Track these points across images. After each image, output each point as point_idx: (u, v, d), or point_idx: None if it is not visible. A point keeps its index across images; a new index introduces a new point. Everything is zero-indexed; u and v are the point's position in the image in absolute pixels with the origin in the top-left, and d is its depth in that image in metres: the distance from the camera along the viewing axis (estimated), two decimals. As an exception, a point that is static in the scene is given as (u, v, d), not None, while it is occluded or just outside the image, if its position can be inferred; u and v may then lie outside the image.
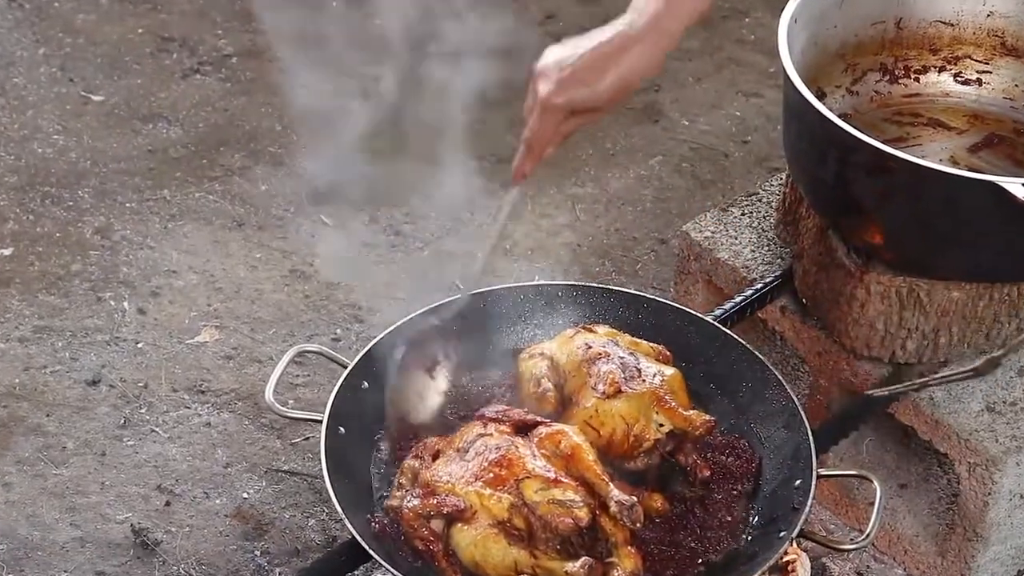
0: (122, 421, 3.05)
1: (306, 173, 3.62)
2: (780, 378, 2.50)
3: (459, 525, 2.26)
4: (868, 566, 2.85)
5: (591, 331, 2.49)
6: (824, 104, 2.57)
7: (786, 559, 2.47)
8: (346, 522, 2.27)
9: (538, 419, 2.37)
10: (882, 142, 2.50)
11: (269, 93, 3.82)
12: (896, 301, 2.65)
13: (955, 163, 2.79)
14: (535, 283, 2.69)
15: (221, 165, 3.63)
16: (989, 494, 2.63)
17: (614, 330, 2.51)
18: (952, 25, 2.92)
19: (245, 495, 2.94)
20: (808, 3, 2.71)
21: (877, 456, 2.89)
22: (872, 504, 2.34)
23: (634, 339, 2.50)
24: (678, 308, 2.64)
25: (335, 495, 2.29)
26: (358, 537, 2.26)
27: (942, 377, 2.48)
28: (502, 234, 2.47)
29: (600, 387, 2.39)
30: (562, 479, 2.25)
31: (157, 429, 3.04)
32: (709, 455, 2.43)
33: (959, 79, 2.93)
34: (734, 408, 2.52)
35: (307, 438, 3.03)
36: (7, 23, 3.94)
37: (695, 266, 2.95)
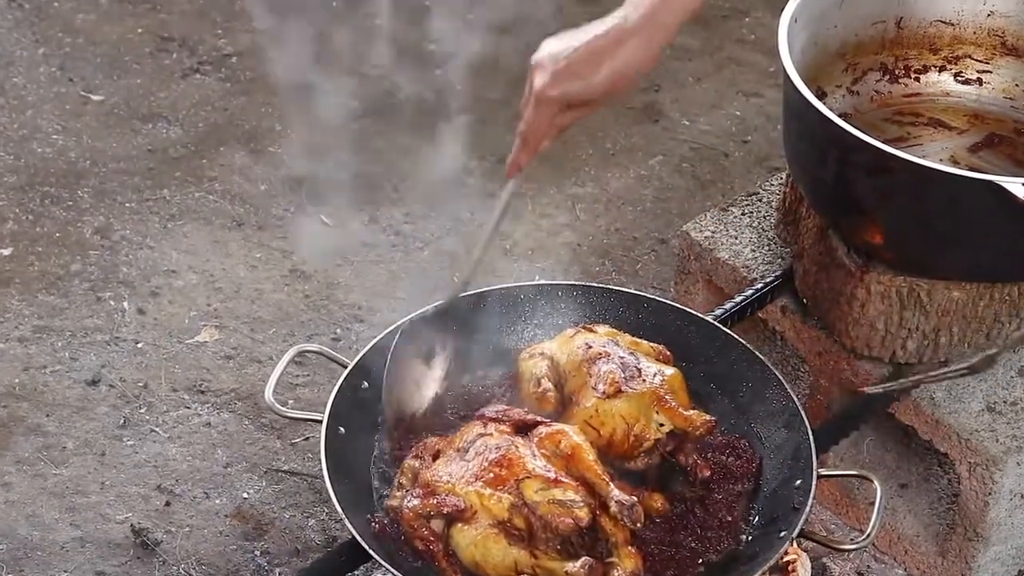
0: (122, 421, 3.05)
1: (306, 172, 3.62)
2: (780, 378, 2.50)
3: (459, 525, 2.26)
4: (868, 566, 2.85)
5: (591, 331, 2.49)
6: (824, 104, 2.57)
7: (786, 559, 2.47)
8: (346, 522, 2.27)
9: (538, 419, 2.37)
10: (882, 142, 2.50)
11: (269, 93, 3.82)
12: (896, 301, 2.65)
13: (955, 163, 2.79)
14: (535, 283, 2.69)
15: (221, 165, 3.63)
16: (990, 494, 2.63)
17: (614, 330, 2.51)
18: (952, 25, 2.92)
19: (245, 495, 2.94)
20: (808, 3, 2.71)
21: (877, 456, 2.89)
22: (872, 504, 2.34)
23: (634, 339, 2.50)
24: (678, 308, 2.64)
25: (335, 495, 2.29)
26: (358, 537, 2.26)
27: (937, 375, 2.48)
28: (500, 226, 2.46)
29: (600, 387, 2.38)
30: (562, 479, 2.25)
31: (157, 429, 3.04)
32: (709, 455, 2.43)
33: (959, 79, 2.93)
34: (734, 408, 2.52)
35: (307, 438, 3.03)
36: (7, 23, 3.94)
37: (695, 266, 2.95)
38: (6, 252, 3.38)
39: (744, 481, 2.42)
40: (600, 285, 2.67)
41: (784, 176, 2.93)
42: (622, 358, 2.42)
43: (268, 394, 2.45)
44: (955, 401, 2.66)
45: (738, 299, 2.77)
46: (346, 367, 2.48)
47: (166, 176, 3.59)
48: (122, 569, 2.81)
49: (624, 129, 3.81)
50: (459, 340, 2.53)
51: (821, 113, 2.52)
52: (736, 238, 2.92)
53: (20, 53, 3.86)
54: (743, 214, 2.97)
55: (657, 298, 2.65)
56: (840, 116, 2.56)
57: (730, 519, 2.37)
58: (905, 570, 2.83)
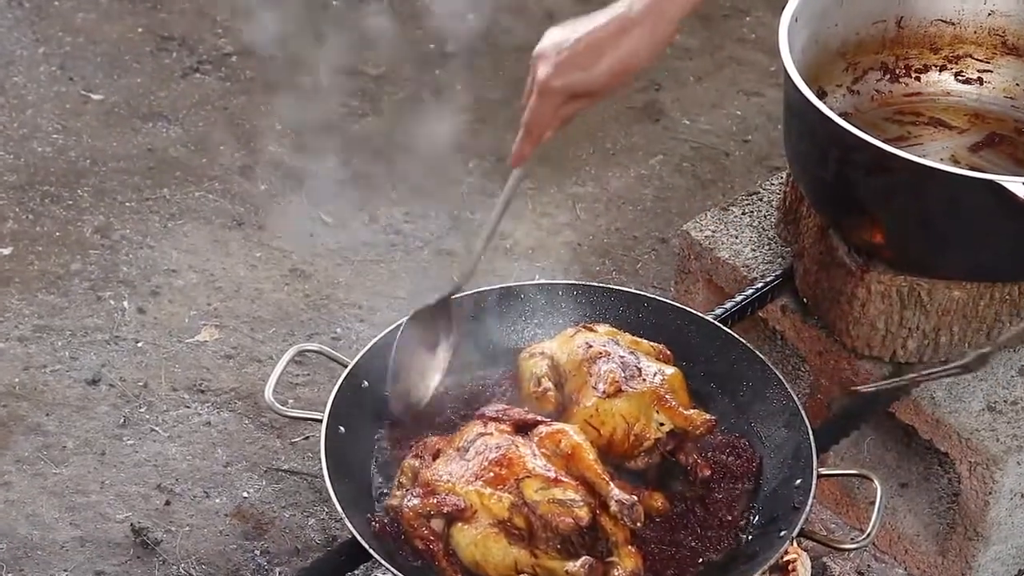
0: (122, 420, 3.05)
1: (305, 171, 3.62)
2: (781, 377, 2.50)
3: (459, 524, 2.26)
4: (869, 565, 2.84)
5: (591, 330, 2.49)
6: (825, 103, 2.57)
7: (787, 558, 2.47)
8: (346, 521, 2.27)
9: (538, 418, 2.37)
10: (883, 141, 2.50)
11: (269, 92, 3.82)
12: (897, 300, 2.65)
13: (956, 162, 2.79)
14: (535, 282, 2.69)
15: (221, 164, 3.63)
16: (990, 493, 2.62)
17: (615, 329, 2.51)
18: (953, 24, 2.92)
19: (245, 494, 2.94)
20: (809, 2, 2.70)
21: (878, 455, 2.89)
22: (873, 503, 2.34)
23: (635, 338, 2.50)
24: (678, 307, 2.64)
25: (335, 494, 2.29)
26: (358, 536, 2.26)
27: (930, 373, 2.47)
28: (504, 214, 2.45)
29: (600, 386, 2.38)
30: (562, 478, 2.25)
31: (157, 428, 3.04)
32: (709, 454, 2.43)
33: (960, 78, 2.93)
34: (735, 407, 2.52)
35: (307, 437, 3.03)
36: (7, 22, 3.94)
37: (695, 265, 2.95)
38: (6, 251, 3.37)
39: (744, 480, 2.42)
40: (600, 284, 2.67)
41: (784, 175, 2.93)
42: (622, 357, 2.42)
43: (268, 393, 2.45)
44: (955, 400, 2.66)
45: (738, 298, 2.77)
46: (346, 366, 2.48)
47: (166, 175, 3.59)
48: (122, 568, 2.81)
49: (624, 128, 3.81)
50: (463, 330, 2.52)
51: (822, 112, 2.52)
52: (736, 237, 2.92)
53: (20, 52, 3.86)
54: (743, 213, 2.97)
55: (657, 297, 2.65)
56: (840, 115, 2.56)
57: (730, 518, 2.37)
58: (905, 569, 2.83)
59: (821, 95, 2.80)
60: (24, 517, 2.87)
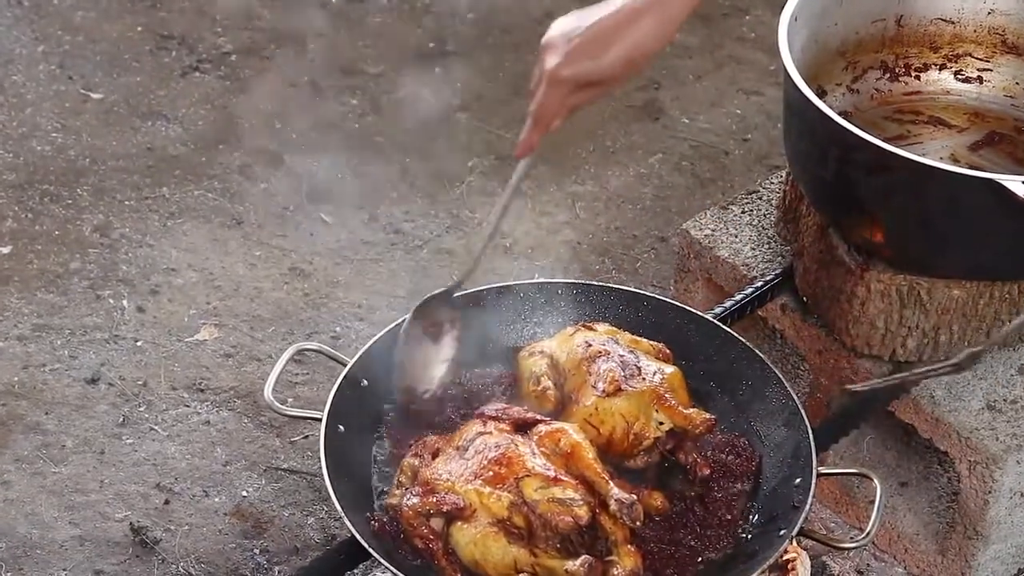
0: (121, 419, 3.05)
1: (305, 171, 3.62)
2: (780, 376, 2.49)
3: (459, 523, 2.25)
4: (868, 564, 2.84)
5: (591, 329, 2.49)
6: (824, 102, 2.56)
7: (786, 557, 2.47)
8: (345, 520, 2.27)
9: (538, 417, 2.37)
10: (883, 140, 2.50)
11: (268, 91, 3.82)
12: (896, 299, 2.65)
13: (956, 161, 2.79)
14: (535, 281, 2.69)
15: (220, 163, 3.63)
16: (989, 492, 2.62)
17: (614, 328, 2.51)
18: (953, 23, 2.92)
19: (244, 493, 2.94)
20: (808, 1, 2.70)
21: (877, 454, 2.89)
22: (872, 502, 2.33)
23: (634, 337, 2.50)
24: (678, 306, 2.64)
25: (334, 493, 2.29)
26: (357, 535, 2.26)
27: (921, 372, 2.46)
28: (510, 204, 2.45)
29: (600, 385, 2.38)
30: (562, 477, 2.25)
31: (156, 427, 3.04)
32: (709, 453, 2.42)
33: (960, 77, 2.93)
34: (734, 406, 2.52)
35: (306, 436, 3.03)
36: (6, 20, 3.93)
37: (695, 264, 2.95)
38: (5, 250, 3.37)
39: (744, 479, 2.41)
40: (600, 283, 2.67)
41: (784, 174, 2.92)
42: (622, 356, 2.42)
43: (267, 392, 2.44)
44: (955, 399, 2.66)
45: (738, 297, 2.77)
46: (345, 365, 2.48)
47: (165, 174, 3.59)
48: (121, 567, 2.81)
49: (624, 127, 3.80)
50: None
51: (821, 111, 2.52)
52: (736, 236, 2.92)
53: (19, 51, 3.86)
54: (743, 212, 2.97)
55: (657, 296, 2.65)
56: (840, 114, 2.56)
57: (730, 517, 2.37)
58: (905, 568, 2.83)
59: (821, 94, 2.80)
60: (23, 516, 2.87)
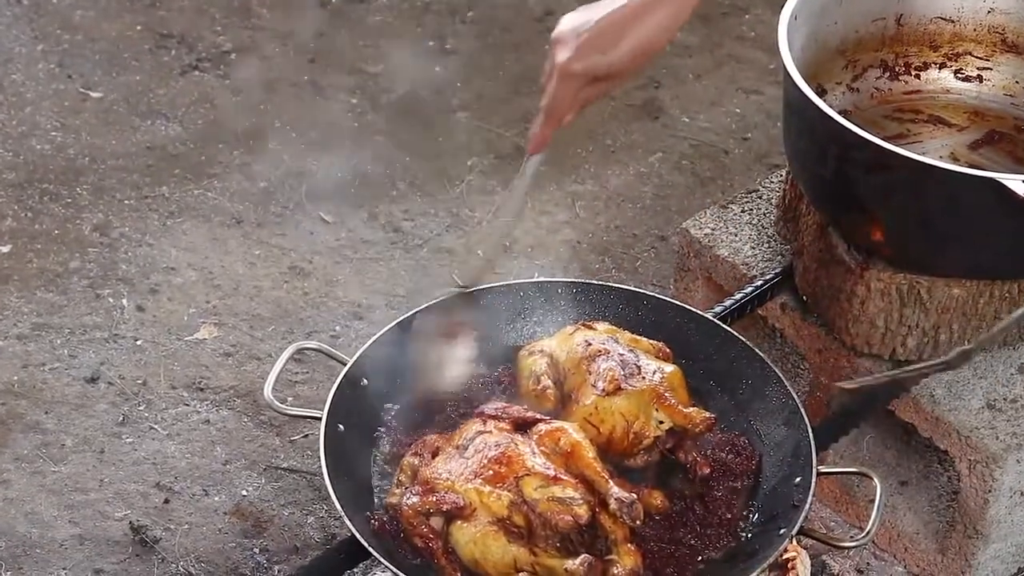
0: (121, 418, 3.04)
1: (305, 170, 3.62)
2: (780, 375, 2.49)
3: (458, 523, 2.25)
4: (868, 563, 2.84)
5: (591, 328, 2.49)
6: (824, 101, 2.56)
7: (786, 556, 2.47)
8: (345, 520, 2.27)
9: (538, 416, 2.37)
10: (882, 139, 2.50)
11: (268, 90, 3.82)
12: (896, 298, 2.64)
13: (955, 160, 2.79)
14: (535, 280, 2.68)
15: (220, 162, 3.63)
16: (989, 491, 2.62)
17: (614, 327, 2.51)
18: (953, 21, 2.92)
19: (244, 492, 2.94)
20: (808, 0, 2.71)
21: (877, 453, 2.89)
22: (872, 501, 2.33)
23: (634, 336, 2.50)
24: (678, 305, 2.64)
25: (334, 492, 2.29)
26: (357, 535, 2.26)
27: (911, 370, 2.46)
28: (524, 201, 2.45)
29: (600, 384, 2.38)
30: (562, 476, 2.25)
31: (156, 426, 3.04)
32: (709, 452, 2.42)
33: (960, 76, 2.93)
34: (734, 405, 2.52)
35: (306, 435, 3.03)
36: (5, 19, 3.93)
37: (695, 263, 2.95)
38: (5, 249, 3.37)
39: (744, 478, 2.41)
40: (600, 282, 2.66)
41: (784, 173, 2.92)
42: (622, 355, 2.42)
43: (267, 391, 2.44)
44: (955, 398, 2.66)
45: (738, 296, 2.77)
46: (345, 364, 2.48)
47: (165, 173, 3.59)
48: (121, 567, 2.80)
49: (624, 126, 3.80)
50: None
51: (821, 110, 2.52)
52: (736, 235, 2.92)
53: (19, 50, 3.86)
54: (743, 211, 2.97)
55: (657, 295, 2.65)
56: (840, 113, 2.56)
57: (729, 516, 2.37)
58: (905, 567, 2.83)
59: (820, 93, 2.80)
60: (23, 515, 2.87)
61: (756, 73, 3.97)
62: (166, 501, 2.91)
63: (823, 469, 2.39)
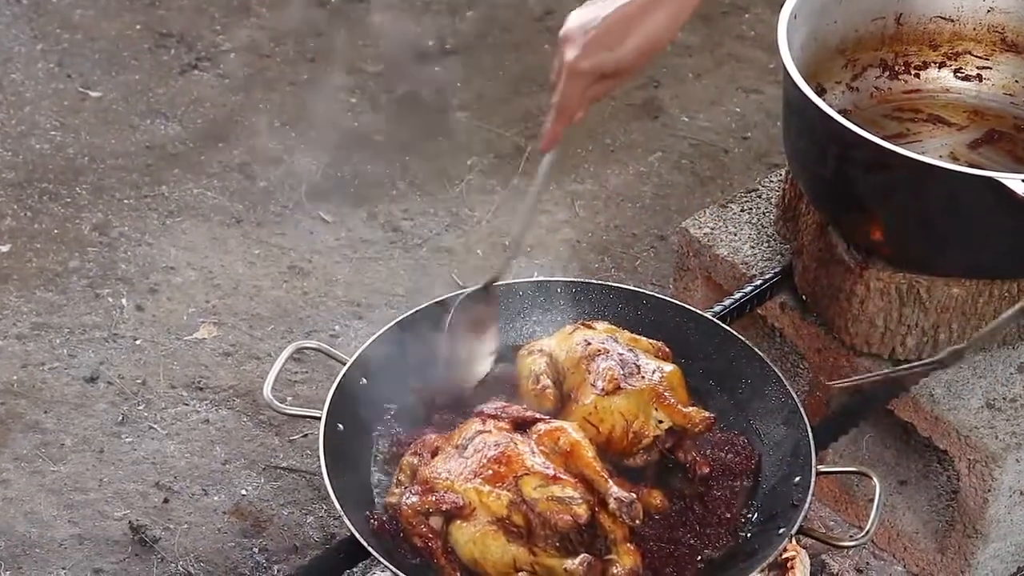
0: (120, 418, 3.04)
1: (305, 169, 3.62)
2: (779, 375, 2.49)
3: (458, 522, 2.25)
4: (868, 563, 2.84)
5: (590, 327, 2.49)
6: (824, 100, 2.56)
7: (785, 556, 2.47)
8: (344, 519, 2.26)
9: (537, 416, 2.37)
10: (882, 138, 2.50)
11: (267, 89, 3.82)
12: (896, 297, 2.64)
13: (955, 159, 2.79)
14: (534, 279, 2.68)
15: (219, 161, 3.63)
16: (989, 491, 2.62)
17: (613, 326, 2.51)
18: (952, 21, 2.92)
19: (243, 492, 2.94)
20: (808, -1, 2.71)
21: (877, 453, 2.89)
22: (872, 501, 2.33)
23: (633, 335, 2.50)
24: (677, 304, 2.64)
25: (333, 492, 2.29)
26: (357, 534, 2.26)
27: (904, 369, 2.46)
28: (541, 197, 2.45)
29: (599, 384, 2.38)
30: (561, 476, 2.25)
31: (155, 426, 3.04)
32: (708, 452, 2.42)
33: (959, 75, 2.93)
34: (733, 405, 2.52)
35: (305, 435, 3.03)
36: (4, 18, 3.93)
37: (694, 262, 2.95)
38: (4, 249, 3.37)
39: (743, 478, 2.41)
40: (599, 282, 2.66)
41: (783, 172, 2.92)
42: (621, 355, 2.42)
43: (267, 391, 2.44)
44: (954, 398, 2.66)
45: (737, 296, 2.77)
46: (345, 364, 2.48)
47: (164, 172, 3.59)
48: (120, 566, 2.80)
49: (623, 126, 3.80)
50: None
51: (821, 109, 2.52)
52: (735, 235, 2.92)
53: (18, 49, 3.86)
54: (742, 211, 2.97)
55: (656, 295, 2.65)
56: (840, 112, 2.56)
57: (729, 516, 2.37)
58: (904, 567, 2.82)
59: (820, 92, 2.80)
60: (22, 515, 2.87)
61: (756, 72, 3.97)
62: (165, 501, 2.91)
63: (822, 468, 2.38)
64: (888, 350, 2.69)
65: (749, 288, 2.78)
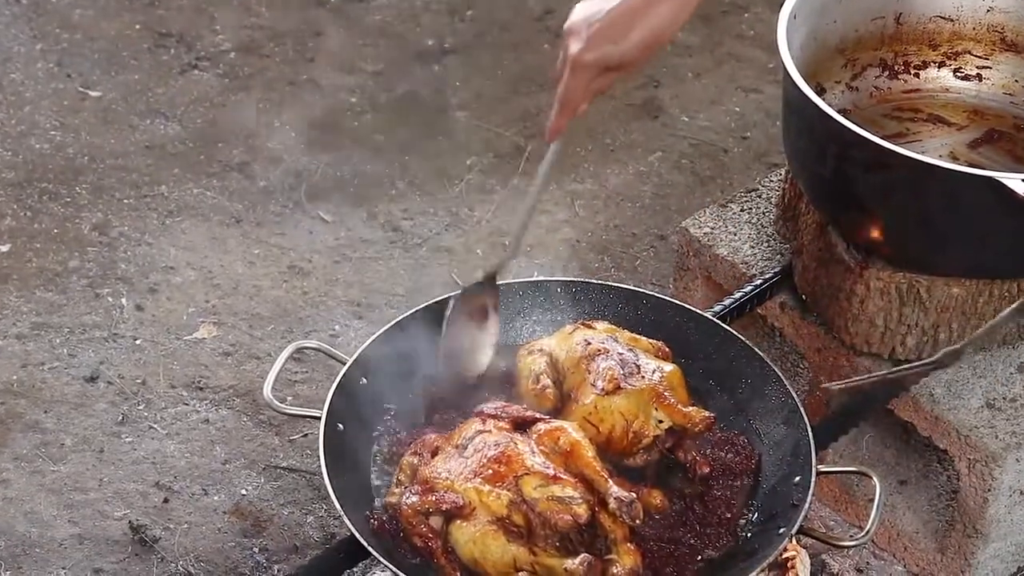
0: (120, 418, 3.04)
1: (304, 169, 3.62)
2: (779, 374, 2.49)
3: (458, 522, 2.25)
4: (868, 563, 2.84)
5: (590, 327, 2.49)
6: (823, 100, 2.56)
7: (785, 556, 2.47)
8: (344, 519, 2.26)
9: (537, 415, 2.37)
10: (882, 138, 2.50)
11: (267, 89, 3.82)
12: (896, 297, 2.64)
13: (955, 159, 2.79)
14: (534, 279, 2.68)
15: (219, 161, 3.63)
16: (989, 490, 2.62)
17: (613, 326, 2.51)
18: (952, 20, 2.92)
19: (243, 492, 2.94)
20: (808, -2, 2.71)
21: (877, 453, 2.89)
22: (872, 501, 2.33)
23: (633, 335, 2.50)
24: (677, 304, 2.64)
25: (333, 492, 2.29)
26: (357, 534, 2.26)
27: (901, 370, 2.46)
28: (545, 189, 2.45)
29: (599, 383, 2.38)
30: (561, 476, 2.25)
31: (155, 426, 3.04)
32: (708, 451, 2.42)
33: (959, 75, 2.93)
34: (733, 404, 2.52)
35: (305, 435, 3.03)
36: (4, 18, 3.93)
37: (694, 262, 2.95)
38: (4, 248, 3.37)
39: (743, 478, 2.41)
40: (599, 281, 2.66)
41: (783, 172, 2.92)
42: (621, 355, 2.42)
43: (267, 391, 2.44)
44: (954, 397, 2.66)
45: (737, 295, 2.77)
46: (344, 363, 2.48)
47: (164, 172, 3.59)
48: (120, 566, 2.80)
49: (623, 125, 3.80)
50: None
51: (820, 109, 2.52)
52: (735, 234, 2.92)
53: (18, 49, 3.86)
54: (742, 210, 2.97)
55: (656, 294, 2.65)
56: (839, 112, 2.56)
57: (729, 516, 2.37)
58: (904, 567, 2.82)
59: (820, 92, 2.80)
60: (22, 515, 2.87)
61: (755, 72, 3.97)
62: (165, 500, 2.91)
63: (822, 468, 2.38)
64: (888, 350, 2.69)
65: (749, 288, 2.78)
